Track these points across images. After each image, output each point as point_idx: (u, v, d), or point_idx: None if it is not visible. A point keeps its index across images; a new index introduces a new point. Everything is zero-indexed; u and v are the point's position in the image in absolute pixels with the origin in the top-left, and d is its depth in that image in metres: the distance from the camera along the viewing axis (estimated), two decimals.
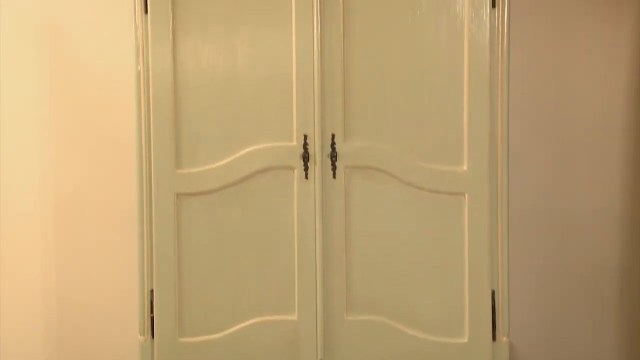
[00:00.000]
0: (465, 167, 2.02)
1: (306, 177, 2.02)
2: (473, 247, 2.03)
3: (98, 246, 2.58)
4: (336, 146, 2.02)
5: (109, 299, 2.59)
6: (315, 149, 2.02)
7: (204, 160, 2.05)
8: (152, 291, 2.05)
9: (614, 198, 2.57)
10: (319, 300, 2.05)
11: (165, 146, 2.03)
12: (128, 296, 2.45)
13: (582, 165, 2.57)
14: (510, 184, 2.07)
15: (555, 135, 2.56)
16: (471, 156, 2.01)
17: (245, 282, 2.07)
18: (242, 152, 2.04)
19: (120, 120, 2.48)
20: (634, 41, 2.51)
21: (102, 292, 2.59)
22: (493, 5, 1.98)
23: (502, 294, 2.04)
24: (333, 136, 2.02)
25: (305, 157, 2.01)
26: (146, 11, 2.00)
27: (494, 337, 2.05)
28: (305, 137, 2.01)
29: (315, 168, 2.02)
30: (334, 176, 2.03)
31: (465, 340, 2.05)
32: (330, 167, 2.02)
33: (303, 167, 2.02)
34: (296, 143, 2.02)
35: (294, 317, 2.07)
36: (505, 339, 2.05)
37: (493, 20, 1.99)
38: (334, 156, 2.02)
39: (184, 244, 2.05)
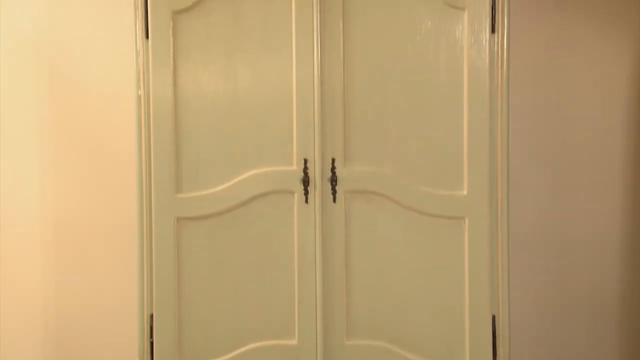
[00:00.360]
0: (465, 192, 2.02)
1: (306, 201, 2.03)
2: (473, 272, 2.02)
3: (97, 270, 2.58)
4: (336, 170, 2.02)
5: (109, 323, 2.58)
6: (315, 173, 2.02)
7: (204, 185, 2.05)
8: (151, 315, 2.05)
9: (614, 222, 2.57)
10: (319, 325, 2.04)
11: (166, 170, 2.03)
12: (127, 320, 2.44)
13: (582, 189, 2.58)
14: (510, 208, 2.07)
15: (555, 159, 2.56)
16: (471, 180, 2.01)
17: (245, 306, 2.07)
18: (243, 176, 2.04)
19: (120, 144, 2.49)
20: (634, 62, 2.52)
21: (102, 315, 2.59)
22: (492, 30, 1.99)
23: (502, 319, 2.04)
24: (333, 160, 2.02)
25: (306, 182, 2.02)
26: (147, 36, 2.01)
27: None
28: (306, 161, 2.02)
29: (315, 192, 2.03)
30: (334, 200, 2.03)
31: None
32: (330, 191, 2.03)
33: (303, 192, 2.02)
34: (296, 167, 2.03)
35: (294, 341, 2.06)
36: None
37: (492, 46, 2.00)
38: (334, 180, 2.02)
39: (184, 268, 2.05)
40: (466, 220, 2.02)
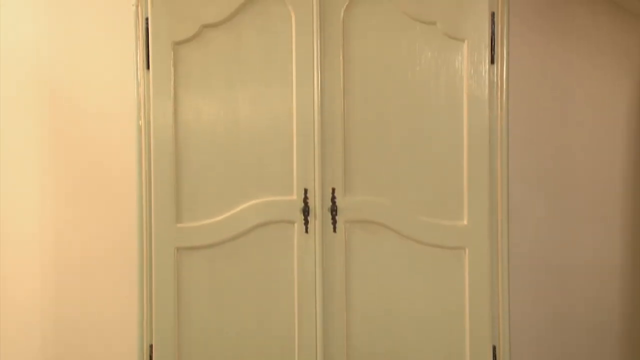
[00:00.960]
0: (465, 222, 2.02)
1: (306, 231, 2.03)
2: (474, 302, 2.02)
3: (97, 300, 2.58)
4: (336, 200, 2.02)
5: (108, 353, 2.57)
6: (315, 203, 2.02)
7: (205, 215, 2.05)
8: (151, 346, 2.04)
9: (613, 251, 2.57)
10: (319, 354, 2.04)
11: (166, 200, 2.03)
12: (127, 350, 2.43)
13: (582, 219, 2.58)
14: (511, 238, 2.07)
15: (555, 189, 2.57)
16: (471, 210, 2.02)
17: (245, 337, 2.06)
18: (243, 206, 2.04)
19: (121, 173, 2.49)
20: (633, 92, 2.53)
21: (101, 345, 2.58)
22: (492, 61, 2.00)
23: (503, 350, 2.03)
24: (333, 190, 2.02)
25: (306, 211, 2.02)
26: (148, 66, 2.02)
27: None
28: (306, 191, 2.02)
29: (315, 222, 2.03)
30: (334, 230, 2.03)
31: None
32: (330, 221, 2.03)
33: (303, 221, 2.02)
34: (296, 197, 2.03)
35: None
36: None
37: (492, 76, 2.01)
38: (334, 210, 2.02)
39: (184, 299, 2.05)
40: (466, 251, 2.02)
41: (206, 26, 2.02)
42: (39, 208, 2.57)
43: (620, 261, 2.56)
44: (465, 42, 2.00)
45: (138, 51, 2.03)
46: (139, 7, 2.02)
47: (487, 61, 2.00)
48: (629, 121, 2.53)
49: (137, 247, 2.05)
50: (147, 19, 2.01)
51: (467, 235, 2.02)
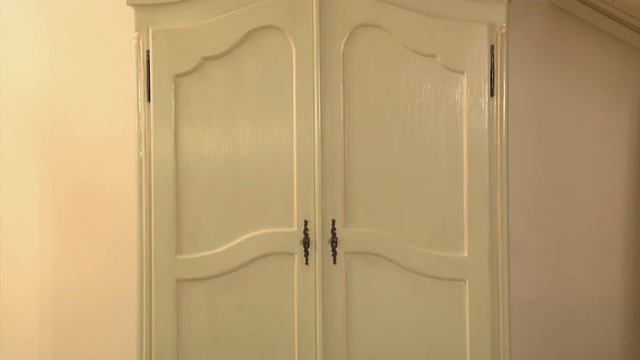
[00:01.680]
0: (465, 253, 2.02)
1: (306, 262, 2.02)
2: (474, 335, 2.01)
3: (96, 331, 2.58)
4: (337, 232, 2.02)
5: None
6: (315, 235, 2.02)
7: (205, 246, 2.05)
8: None
9: (615, 288, 2.58)
10: None
11: (166, 231, 2.03)
12: None
13: (583, 255, 2.59)
14: (511, 272, 2.07)
15: (556, 221, 2.58)
16: (471, 242, 2.01)
17: None
18: (243, 237, 2.04)
19: (121, 205, 2.50)
20: (632, 124, 2.55)
21: None
22: (491, 94, 2.01)
23: None
24: (333, 222, 2.02)
25: (306, 243, 2.02)
26: (149, 99, 2.03)
27: None
28: (306, 222, 2.02)
29: (315, 254, 2.02)
30: (335, 262, 2.03)
31: None
32: (330, 252, 2.02)
33: (303, 253, 2.02)
34: (297, 229, 2.03)
35: None
36: None
37: (492, 109, 2.01)
38: (334, 242, 2.02)
39: (183, 331, 2.04)
40: (467, 282, 2.02)
41: (207, 58, 2.03)
42: (38, 239, 2.58)
43: (622, 296, 2.57)
44: (465, 74, 2.01)
45: (139, 83, 2.04)
46: (140, 40, 2.03)
47: (486, 94, 2.01)
48: (629, 154, 2.54)
49: (137, 278, 2.05)
50: (148, 52, 2.03)
51: (468, 267, 2.02)
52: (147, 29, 2.03)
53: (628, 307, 2.56)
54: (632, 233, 2.56)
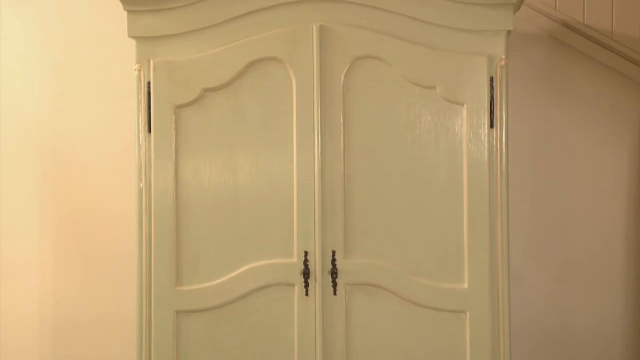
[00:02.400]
0: (465, 285, 2.02)
1: (307, 294, 2.02)
2: None
3: None
4: (337, 263, 2.02)
5: None
6: (315, 266, 2.02)
7: (205, 277, 2.05)
8: None
9: (615, 316, 2.57)
10: None
11: (166, 263, 2.03)
12: None
13: (583, 283, 2.59)
14: (512, 301, 2.07)
15: (556, 252, 2.59)
16: (472, 273, 2.01)
17: None
18: (243, 268, 2.04)
19: (121, 236, 2.50)
20: (632, 157, 2.57)
21: None
22: (491, 125, 2.01)
23: None
24: (334, 253, 2.02)
25: (306, 274, 2.01)
26: (149, 130, 2.04)
27: None
28: (306, 253, 2.02)
29: (315, 285, 2.02)
30: (335, 293, 2.02)
31: None
32: (330, 283, 2.02)
33: (303, 284, 2.02)
34: (297, 260, 2.03)
35: None
36: None
37: (491, 140, 2.02)
38: (334, 273, 2.02)
39: None
40: (467, 314, 2.01)
41: (207, 90, 2.04)
42: (37, 269, 2.58)
43: (623, 326, 2.56)
44: (465, 106, 2.01)
45: (140, 114, 2.04)
46: (141, 72, 2.04)
47: (486, 125, 2.01)
48: (628, 186, 2.55)
49: (137, 309, 2.04)
50: (149, 83, 2.04)
51: (468, 298, 2.02)
52: (148, 61, 2.04)
53: (628, 336, 2.56)
54: (632, 262, 2.56)
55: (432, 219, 2.03)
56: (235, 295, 2.04)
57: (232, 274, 2.04)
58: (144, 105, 2.04)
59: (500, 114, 2.01)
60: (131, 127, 2.07)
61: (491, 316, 2.01)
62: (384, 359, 2.03)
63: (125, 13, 2.04)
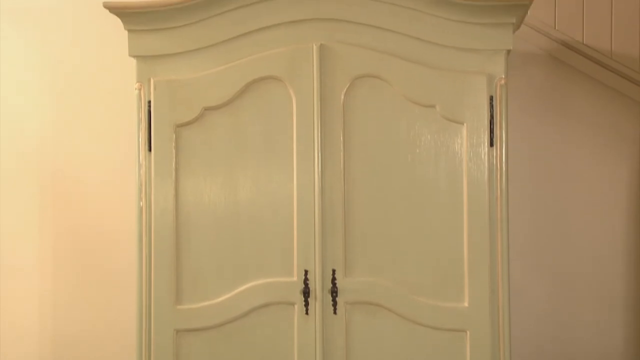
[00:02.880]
0: (466, 304, 2.01)
1: (307, 312, 2.02)
2: None
3: None
4: (337, 282, 2.02)
5: None
6: (315, 285, 2.02)
7: (204, 296, 2.04)
8: None
9: (616, 330, 2.57)
10: None
11: (166, 281, 2.03)
12: None
13: (583, 298, 2.59)
14: (512, 320, 2.06)
15: (556, 268, 2.58)
16: (472, 292, 2.01)
17: None
18: (243, 287, 2.04)
19: (121, 254, 2.51)
20: (632, 175, 2.58)
21: None
22: (491, 144, 2.02)
23: None
24: (334, 272, 2.02)
25: (306, 293, 2.01)
26: (150, 149, 2.04)
27: None
28: (306, 272, 2.02)
29: (315, 304, 2.02)
30: (335, 312, 2.02)
31: None
32: (330, 302, 2.02)
33: (304, 303, 2.01)
34: (297, 278, 2.02)
35: None
36: None
37: (491, 159, 2.02)
38: (334, 292, 2.01)
39: None
40: (467, 333, 2.01)
41: (208, 109, 2.04)
42: (37, 284, 2.58)
43: (623, 341, 2.56)
44: (465, 125, 2.02)
45: (140, 133, 2.05)
46: (142, 91, 2.05)
47: (486, 144, 2.01)
48: (628, 204, 2.55)
49: (136, 328, 2.04)
50: (149, 102, 2.04)
51: (468, 317, 2.01)
52: (149, 80, 2.04)
53: (629, 351, 2.55)
54: (632, 277, 2.56)
55: (432, 237, 2.03)
56: (236, 314, 2.04)
57: (233, 293, 2.04)
58: (144, 124, 2.05)
59: (500, 133, 2.02)
60: (132, 146, 2.07)
61: (492, 335, 2.00)
62: None
63: (126, 32, 2.04)
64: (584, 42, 2.56)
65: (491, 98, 2.02)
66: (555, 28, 2.56)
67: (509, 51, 2.03)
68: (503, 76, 2.01)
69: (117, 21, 2.04)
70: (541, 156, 2.57)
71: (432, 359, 2.02)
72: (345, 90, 2.03)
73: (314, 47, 2.02)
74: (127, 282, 2.37)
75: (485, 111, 2.01)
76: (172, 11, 2.03)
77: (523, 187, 2.52)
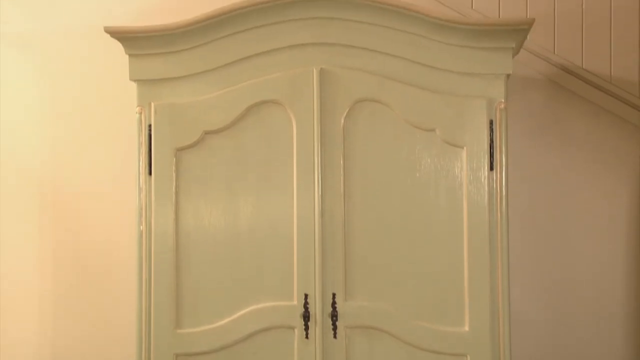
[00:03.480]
0: (466, 328, 2.02)
1: (307, 336, 2.02)
2: None
3: None
4: (337, 306, 2.02)
5: None
6: (315, 309, 2.02)
7: (205, 320, 2.05)
8: None
9: (616, 357, 2.58)
10: None
11: (166, 305, 2.04)
12: None
13: (583, 324, 2.60)
14: (512, 344, 2.06)
15: (557, 295, 2.60)
16: (472, 316, 2.01)
17: None
18: (243, 311, 2.05)
19: (120, 278, 2.53)
20: (633, 206, 2.59)
21: None
22: (491, 168, 2.03)
23: None
24: (334, 295, 2.02)
25: (306, 317, 2.02)
26: (150, 172, 2.05)
27: None
28: (306, 296, 2.02)
29: (316, 328, 2.02)
30: (335, 336, 2.02)
31: None
32: (331, 326, 2.02)
33: (304, 327, 2.02)
34: (297, 302, 2.03)
35: None
36: None
37: (491, 183, 2.03)
38: (334, 315, 2.02)
39: None
40: (468, 358, 2.01)
41: (208, 132, 2.05)
42: (37, 311, 2.59)
43: None
44: (464, 148, 2.03)
45: (140, 157, 2.06)
46: (142, 114, 2.06)
47: (486, 168, 2.02)
48: (628, 229, 2.56)
49: (136, 353, 2.05)
50: (149, 126, 2.05)
51: (469, 341, 2.01)
52: (149, 104, 2.05)
53: None
54: (632, 305, 2.56)
55: (432, 261, 2.04)
56: (236, 337, 2.04)
57: (233, 317, 2.04)
58: (144, 148, 2.05)
59: (500, 157, 2.03)
60: (132, 170, 2.08)
61: (492, 359, 2.01)
62: None
63: (126, 57, 2.05)
64: (583, 67, 2.57)
65: (491, 122, 2.02)
66: (554, 53, 2.57)
67: (508, 75, 2.04)
68: (503, 100, 2.03)
69: (118, 45, 2.05)
70: (541, 180, 2.58)
71: None
72: (345, 113, 2.04)
73: (314, 71, 2.03)
74: (126, 305, 2.38)
75: (485, 135, 2.02)
76: (172, 36, 2.04)
77: (523, 211, 2.52)
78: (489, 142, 2.02)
